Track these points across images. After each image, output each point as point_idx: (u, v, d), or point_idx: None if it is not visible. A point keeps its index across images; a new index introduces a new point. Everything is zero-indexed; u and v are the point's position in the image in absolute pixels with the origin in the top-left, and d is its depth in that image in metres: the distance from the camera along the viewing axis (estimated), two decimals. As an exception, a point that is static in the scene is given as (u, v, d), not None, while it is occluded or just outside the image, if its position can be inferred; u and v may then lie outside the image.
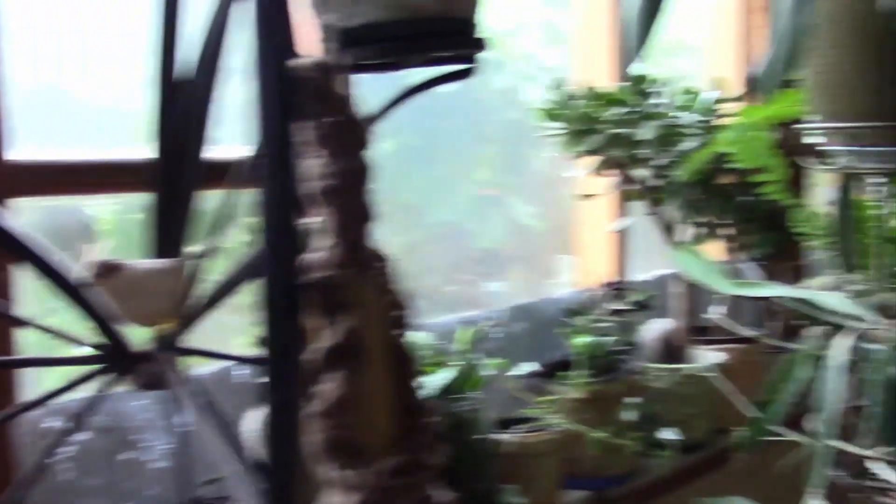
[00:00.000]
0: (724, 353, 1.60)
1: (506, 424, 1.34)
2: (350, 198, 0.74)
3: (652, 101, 1.43)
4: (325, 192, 0.74)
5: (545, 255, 1.88)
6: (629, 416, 1.39)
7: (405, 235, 1.81)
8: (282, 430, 0.75)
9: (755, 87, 1.34)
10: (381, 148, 1.78)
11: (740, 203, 1.60)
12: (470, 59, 0.85)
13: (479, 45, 0.84)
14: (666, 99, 1.44)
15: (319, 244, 0.75)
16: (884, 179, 1.11)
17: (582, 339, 1.39)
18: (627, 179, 1.50)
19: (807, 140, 1.16)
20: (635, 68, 1.44)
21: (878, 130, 1.03)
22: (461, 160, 1.91)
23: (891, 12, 0.85)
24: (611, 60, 1.64)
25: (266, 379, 0.77)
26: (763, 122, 1.31)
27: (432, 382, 1.20)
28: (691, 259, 1.30)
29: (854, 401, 1.10)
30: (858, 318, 0.99)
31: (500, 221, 2.00)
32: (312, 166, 0.73)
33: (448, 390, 1.23)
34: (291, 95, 0.71)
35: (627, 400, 1.40)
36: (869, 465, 1.04)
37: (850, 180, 1.09)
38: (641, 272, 1.78)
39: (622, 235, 1.68)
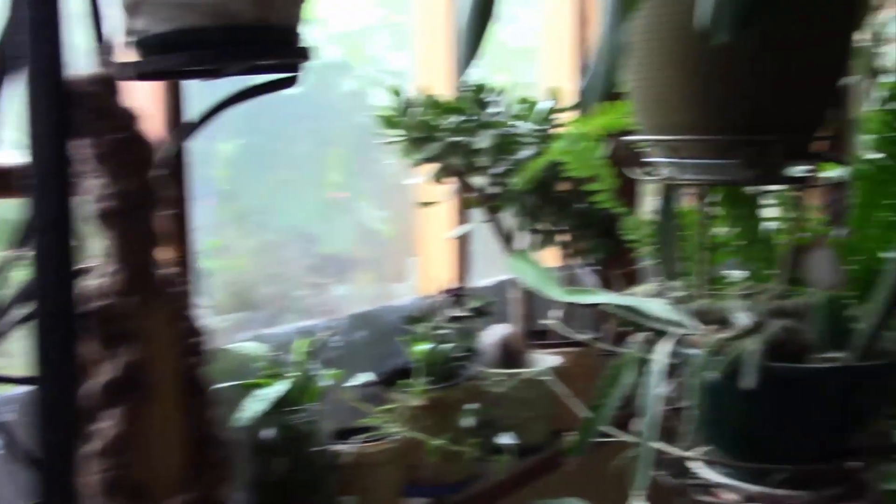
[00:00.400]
0: (560, 356, 1.64)
1: (344, 435, 1.33)
2: (133, 220, 0.70)
3: (490, 109, 1.45)
4: (105, 214, 0.70)
5: (393, 261, 1.87)
6: (468, 422, 1.40)
7: (251, 240, 1.77)
8: (56, 470, 0.70)
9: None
10: (224, 150, 1.74)
11: (576, 210, 1.64)
12: (294, 68, 0.83)
13: (301, 54, 0.82)
14: (503, 108, 1.46)
15: (100, 270, 0.70)
16: (703, 190, 1.16)
17: (421, 347, 1.39)
18: (466, 187, 1.52)
19: (634, 151, 1.20)
20: (471, 76, 1.45)
21: (695, 143, 1.08)
22: (309, 163, 1.88)
23: (707, 29, 0.88)
24: (452, 67, 1.66)
25: (38, 416, 0.71)
26: (594, 132, 1.34)
27: (267, 395, 1.17)
28: (525, 266, 1.32)
29: (676, 403, 1.15)
30: (678, 324, 1.03)
31: (349, 226, 1.98)
32: (93, 187, 0.69)
33: (283, 402, 1.21)
34: (67, 110, 0.67)
35: (466, 406, 1.42)
36: (690, 465, 1.09)
37: (671, 191, 1.13)
38: (483, 278, 1.81)
39: (463, 242, 1.69)
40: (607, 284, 1.80)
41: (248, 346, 1.28)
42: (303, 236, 1.85)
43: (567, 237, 1.72)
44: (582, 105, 1.01)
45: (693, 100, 1.06)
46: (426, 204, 1.58)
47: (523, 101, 1.54)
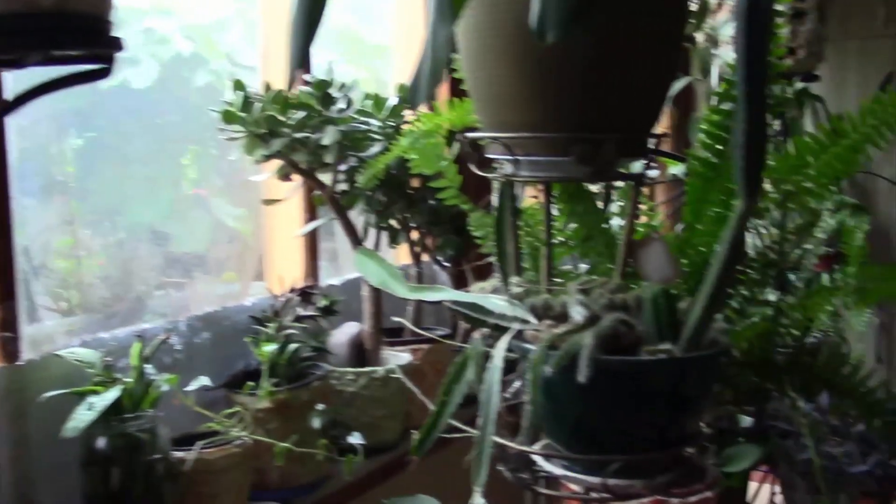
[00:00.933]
0: (412, 353, 1.64)
1: (186, 442, 1.28)
2: None
3: (337, 105, 1.43)
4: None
5: (247, 260, 1.82)
6: (317, 423, 1.38)
7: (102, 239, 1.69)
8: None
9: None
10: (72, 146, 1.66)
11: (427, 207, 1.64)
12: (106, 59, 0.79)
13: (111, 44, 0.78)
14: (350, 104, 1.44)
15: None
16: (542, 187, 1.18)
17: (267, 347, 1.36)
18: (313, 184, 1.49)
19: (477, 148, 1.21)
20: (319, 71, 1.43)
21: (531, 140, 1.09)
22: (164, 160, 1.82)
23: (535, 28, 0.89)
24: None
25: None
26: (437, 128, 1.34)
27: (97, 403, 1.12)
28: (370, 263, 1.30)
29: (518, 398, 1.16)
30: (517, 320, 1.04)
31: (204, 224, 1.92)
32: None
33: (117, 410, 1.16)
34: None
35: (316, 407, 1.39)
36: (533, 458, 1.10)
37: (509, 188, 1.14)
38: (335, 276, 1.78)
39: (313, 239, 1.67)
40: (460, 280, 1.82)
41: (80, 351, 1.22)
42: (156, 234, 1.78)
43: (418, 233, 1.72)
44: (410, 103, 1.01)
45: (528, 97, 1.07)
46: (271, 201, 1.55)
47: (371, 96, 1.53)
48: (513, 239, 1.17)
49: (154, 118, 1.83)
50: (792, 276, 1.44)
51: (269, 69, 1.66)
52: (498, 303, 1.09)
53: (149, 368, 1.21)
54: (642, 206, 1.37)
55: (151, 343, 1.23)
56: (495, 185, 1.17)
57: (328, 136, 1.38)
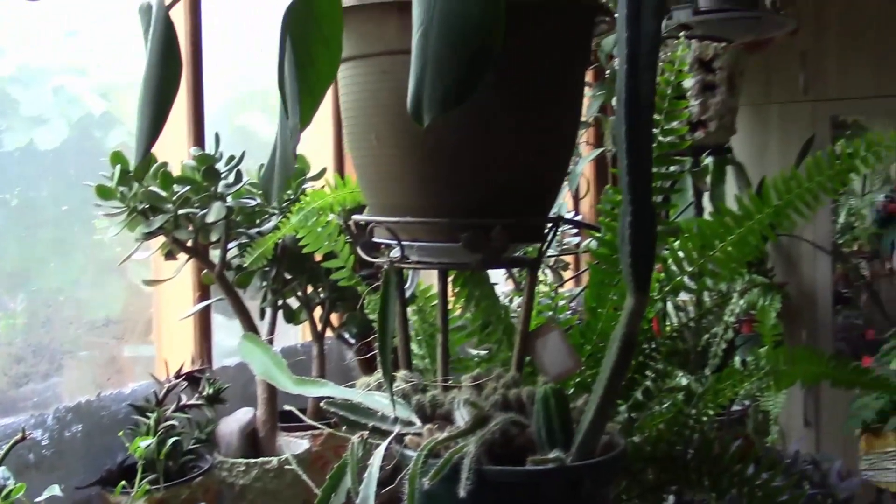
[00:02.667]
0: (311, 440, 1.54)
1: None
2: None
3: (224, 180, 1.34)
4: None
5: (117, 346, 1.69)
6: (200, 522, 1.27)
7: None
8: None
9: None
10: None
11: (329, 283, 1.56)
12: None
13: None
14: (235, 178, 1.36)
15: None
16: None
17: (143, 443, 1.25)
18: (202, 262, 1.40)
19: (365, 229, 1.13)
20: (205, 149, 1.34)
21: (418, 226, 1.02)
22: (75, 222, 1.70)
23: (412, 111, 0.82)
24: (189, 134, 1.54)
25: None
26: (328, 207, 1.27)
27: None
28: (255, 351, 1.21)
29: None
30: (399, 422, 0.96)
31: (120, 288, 1.80)
32: None
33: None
34: None
35: (200, 504, 1.28)
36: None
37: (396, 274, 1.06)
38: (229, 357, 1.68)
39: (205, 319, 1.57)
40: (371, 359, 1.73)
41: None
42: (69, 300, 1.66)
43: (322, 310, 1.63)
44: (265, 198, 0.93)
45: (413, 180, 1.01)
46: (153, 282, 1.45)
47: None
48: (402, 328, 1.09)
49: (63, 180, 1.72)
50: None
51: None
52: (380, 401, 1.01)
53: (2, 472, 1.09)
54: (545, 288, 1.30)
55: (5, 444, 1.11)
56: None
57: (213, 213, 1.30)
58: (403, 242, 1.04)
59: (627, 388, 1.27)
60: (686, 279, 1.23)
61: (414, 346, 1.26)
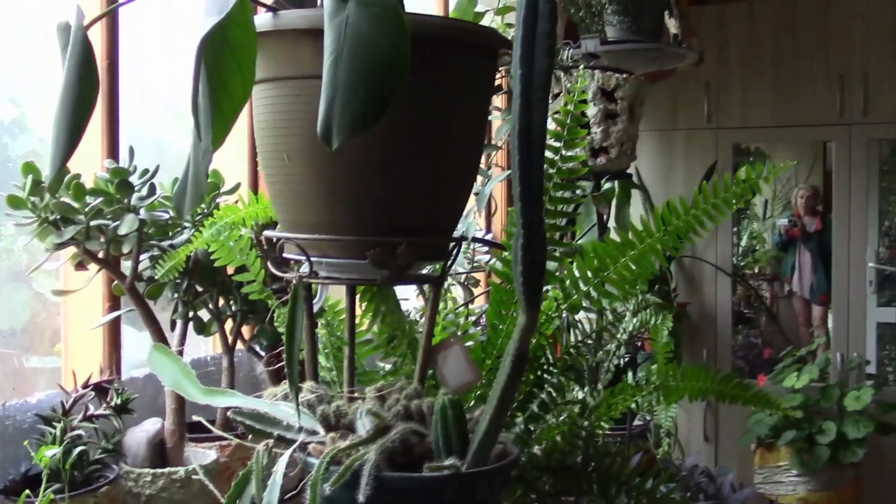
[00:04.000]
0: (219, 450, 1.56)
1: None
2: None
3: (137, 193, 1.36)
4: None
5: (22, 356, 1.68)
6: (103, 531, 1.28)
7: None
8: None
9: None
10: None
11: (241, 295, 1.58)
12: None
13: None
14: (149, 191, 1.38)
15: None
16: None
17: (49, 452, 1.26)
18: (114, 273, 1.41)
19: (275, 245, 1.17)
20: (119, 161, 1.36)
21: (326, 242, 1.06)
22: None
23: (321, 134, 0.87)
24: (104, 145, 1.55)
25: None
26: (240, 221, 1.30)
27: None
28: (164, 361, 1.24)
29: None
30: (303, 431, 1.00)
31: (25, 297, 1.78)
32: None
33: None
34: None
35: (105, 514, 1.29)
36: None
37: (305, 288, 1.11)
38: (138, 368, 1.69)
39: (115, 329, 1.57)
40: (276, 369, 1.76)
41: None
42: None
43: (233, 322, 1.66)
44: (177, 213, 0.97)
45: (321, 198, 1.05)
46: (61, 292, 1.46)
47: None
48: (309, 340, 1.13)
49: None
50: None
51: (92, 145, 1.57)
52: (286, 411, 1.05)
53: None
54: (450, 304, 1.36)
55: None
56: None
57: (125, 225, 1.31)
58: (312, 258, 1.08)
59: (525, 400, 1.33)
60: (582, 298, 1.30)
61: (322, 359, 1.30)
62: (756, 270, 5.11)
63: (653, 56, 2.40)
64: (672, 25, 2.55)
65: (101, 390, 1.43)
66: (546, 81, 0.82)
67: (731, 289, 4.12)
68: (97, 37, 1.50)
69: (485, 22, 2.18)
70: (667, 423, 1.72)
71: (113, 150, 1.54)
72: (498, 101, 2.05)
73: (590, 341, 1.35)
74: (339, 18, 0.90)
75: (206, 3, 0.75)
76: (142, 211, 1.38)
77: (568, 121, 1.27)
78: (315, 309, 1.23)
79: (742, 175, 1.24)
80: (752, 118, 3.99)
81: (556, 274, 1.29)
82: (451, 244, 1.14)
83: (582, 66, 1.57)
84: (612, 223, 2.54)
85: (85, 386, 1.42)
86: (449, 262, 1.14)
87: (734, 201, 1.26)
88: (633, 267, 1.28)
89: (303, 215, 1.08)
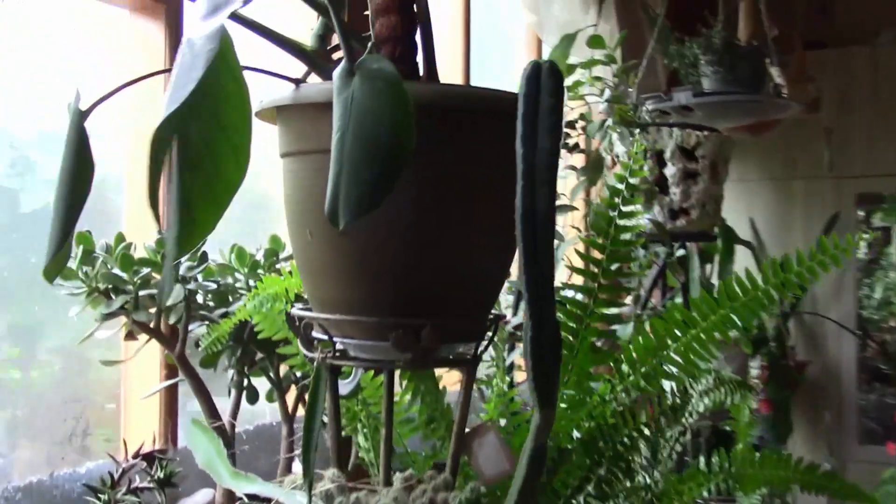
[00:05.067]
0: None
1: None
2: None
3: (187, 263, 1.36)
4: None
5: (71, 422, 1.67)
6: None
7: None
8: None
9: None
10: None
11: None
12: None
13: None
14: (198, 261, 1.37)
15: None
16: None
17: (86, 527, 1.24)
18: (164, 343, 1.40)
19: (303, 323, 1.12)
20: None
21: (348, 322, 1.01)
22: None
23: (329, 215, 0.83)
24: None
25: None
26: (282, 293, 1.27)
27: None
28: (201, 437, 1.21)
29: None
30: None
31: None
32: None
33: None
34: None
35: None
36: None
37: (329, 370, 1.05)
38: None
39: (171, 398, 1.57)
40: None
41: None
42: None
43: (295, 389, 1.62)
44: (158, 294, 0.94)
45: (343, 276, 1.00)
46: (110, 363, 1.46)
47: (234, 250, 1.46)
48: (334, 425, 1.08)
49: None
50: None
51: (130, 221, 1.59)
52: (301, 502, 1.00)
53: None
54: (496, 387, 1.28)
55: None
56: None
57: (172, 296, 1.30)
58: (336, 339, 1.03)
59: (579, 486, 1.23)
60: (640, 379, 1.20)
61: (360, 439, 1.25)
62: (893, 324, 4.78)
63: (751, 108, 2.27)
64: (775, 74, 2.41)
65: (151, 460, 1.41)
66: (552, 161, 0.75)
67: (859, 345, 3.86)
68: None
69: (576, 76, 2.12)
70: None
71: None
72: (573, 159, 1.97)
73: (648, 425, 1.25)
74: (346, 93, 0.86)
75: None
76: (192, 281, 1.36)
77: (622, 187, 1.19)
78: (349, 389, 1.18)
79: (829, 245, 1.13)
80: (877, 165, 3.76)
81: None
82: (488, 323, 1.07)
83: (652, 124, 1.48)
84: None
85: (135, 456, 1.41)
86: (484, 344, 1.07)
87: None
88: (696, 346, 1.18)
89: (324, 293, 1.03)
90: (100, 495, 1.33)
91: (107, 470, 1.39)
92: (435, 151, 0.93)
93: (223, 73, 0.79)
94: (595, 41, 2.11)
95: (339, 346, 1.05)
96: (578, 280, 1.25)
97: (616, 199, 1.19)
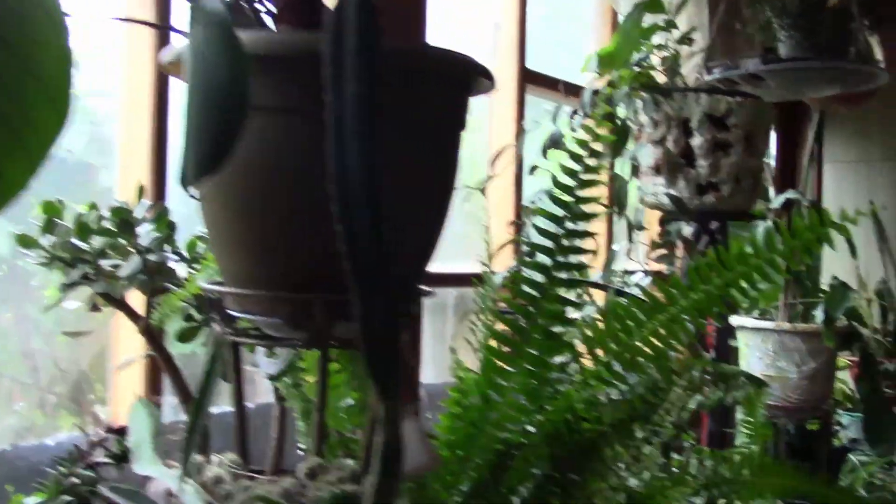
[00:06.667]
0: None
1: None
2: None
3: (143, 232, 1.30)
4: None
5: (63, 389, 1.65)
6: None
7: None
8: None
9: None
10: None
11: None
12: None
13: None
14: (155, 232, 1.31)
15: None
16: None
17: (30, 500, 1.21)
18: (129, 315, 1.36)
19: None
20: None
21: (246, 297, 0.92)
22: None
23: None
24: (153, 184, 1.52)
25: None
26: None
27: None
28: (141, 417, 1.16)
29: None
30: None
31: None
32: None
33: None
34: None
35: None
36: None
37: (230, 347, 0.98)
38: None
39: (155, 375, 1.53)
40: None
41: None
42: None
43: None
44: None
45: (243, 247, 0.92)
46: (73, 334, 1.43)
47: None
48: (237, 408, 1.00)
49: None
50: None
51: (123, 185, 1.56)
52: (187, 489, 0.92)
53: None
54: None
55: None
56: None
57: (126, 268, 1.26)
58: (239, 315, 0.95)
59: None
60: (602, 371, 1.07)
61: (301, 424, 1.17)
62: None
63: (832, 76, 2.03)
64: (868, 37, 2.15)
65: (123, 434, 1.37)
66: (362, 109, 0.64)
67: None
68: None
69: (655, 39, 1.96)
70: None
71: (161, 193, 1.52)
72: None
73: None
74: (195, 41, 0.78)
75: None
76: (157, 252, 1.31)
77: (585, 154, 1.05)
78: (277, 370, 1.10)
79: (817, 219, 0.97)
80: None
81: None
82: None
83: (675, 90, 1.31)
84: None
85: (108, 430, 1.38)
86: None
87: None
88: (664, 332, 1.04)
89: (227, 264, 0.95)
90: (59, 468, 1.30)
91: (68, 444, 1.36)
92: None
93: (38, 20, 0.71)
94: (652, 5, 1.94)
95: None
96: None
97: (577, 166, 1.05)
